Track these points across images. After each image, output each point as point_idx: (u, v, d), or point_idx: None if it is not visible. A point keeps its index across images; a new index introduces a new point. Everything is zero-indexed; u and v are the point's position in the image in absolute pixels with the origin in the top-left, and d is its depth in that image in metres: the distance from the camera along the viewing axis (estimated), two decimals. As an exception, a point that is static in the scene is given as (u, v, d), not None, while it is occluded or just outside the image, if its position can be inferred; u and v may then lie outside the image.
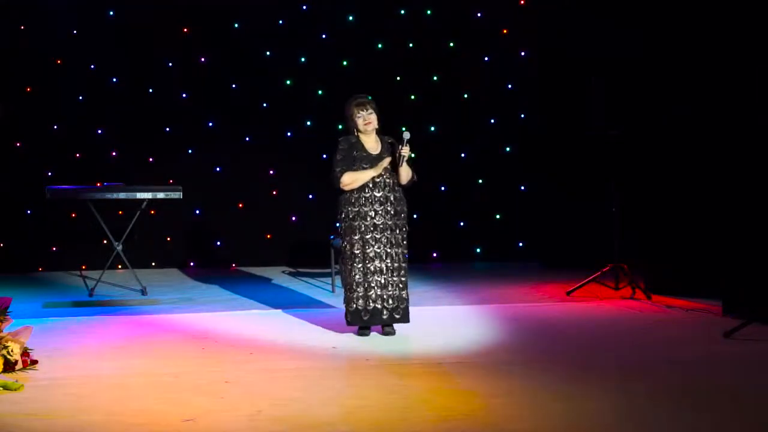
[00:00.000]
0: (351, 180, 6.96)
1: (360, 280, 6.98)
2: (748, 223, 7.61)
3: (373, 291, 6.96)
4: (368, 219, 6.99)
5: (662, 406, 5.22)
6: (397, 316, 7.00)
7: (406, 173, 7.04)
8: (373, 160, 7.00)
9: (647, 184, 8.89)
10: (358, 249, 7.00)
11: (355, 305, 6.99)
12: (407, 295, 7.04)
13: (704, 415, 5.07)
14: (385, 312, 6.97)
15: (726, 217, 7.83)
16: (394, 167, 7.01)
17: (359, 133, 7.05)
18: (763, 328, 7.01)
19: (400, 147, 6.96)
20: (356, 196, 7.01)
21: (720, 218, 7.91)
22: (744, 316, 7.14)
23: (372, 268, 6.97)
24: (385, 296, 6.97)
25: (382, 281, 6.96)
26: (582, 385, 5.66)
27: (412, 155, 7.08)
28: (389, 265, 6.98)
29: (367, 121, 6.99)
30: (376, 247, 6.97)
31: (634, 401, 5.31)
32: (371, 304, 6.97)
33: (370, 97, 7.07)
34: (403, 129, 6.94)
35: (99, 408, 5.21)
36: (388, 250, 6.98)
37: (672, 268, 8.61)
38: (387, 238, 6.98)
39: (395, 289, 6.98)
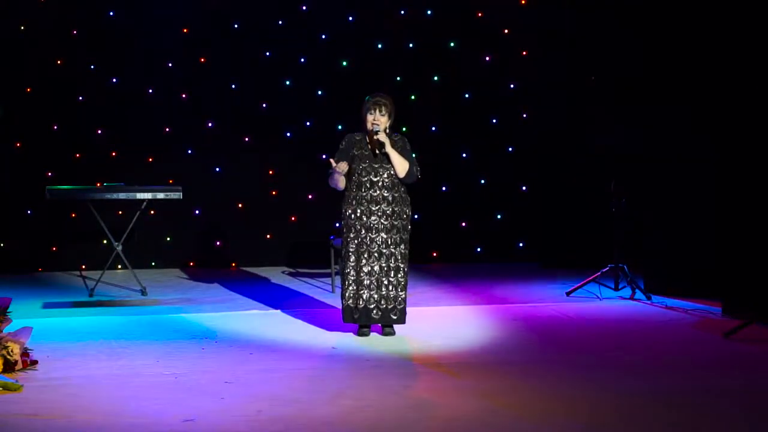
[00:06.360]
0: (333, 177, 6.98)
1: (353, 279, 6.98)
2: (748, 223, 7.60)
3: (365, 290, 6.95)
4: (364, 218, 6.97)
5: (663, 406, 5.22)
6: (394, 317, 6.99)
7: (400, 164, 6.94)
8: (372, 160, 7.00)
9: (648, 184, 8.88)
10: (353, 248, 6.99)
11: (346, 302, 6.99)
12: (405, 297, 7.02)
13: (704, 415, 5.07)
14: (376, 312, 6.96)
15: (726, 217, 7.83)
16: (374, 154, 6.97)
17: (367, 131, 7.05)
18: (763, 328, 7.02)
19: (375, 137, 6.92)
20: (354, 195, 7.00)
21: (720, 218, 7.90)
22: (744, 316, 7.14)
23: (366, 268, 6.96)
24: (377, 296, 6.95)
25: (375, 281, 6.95)
26: (582, 385, 5.66)
27: (415, 154, 7.10)
28: (383, 265, 6.97)
29: (376, 121, 6.97)
30: (371, 246, 6.96)
31: (634, 401, 5.31)
32: (362, 303, 6.96)
33: (387, 100, 6.98)
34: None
35: (99, 408, 5.22)
36: (384, 251, 6.97)
37: (672, 268, 8.61)
38: (383, 238, 6.97)
39: (390, 290, 6.96)
